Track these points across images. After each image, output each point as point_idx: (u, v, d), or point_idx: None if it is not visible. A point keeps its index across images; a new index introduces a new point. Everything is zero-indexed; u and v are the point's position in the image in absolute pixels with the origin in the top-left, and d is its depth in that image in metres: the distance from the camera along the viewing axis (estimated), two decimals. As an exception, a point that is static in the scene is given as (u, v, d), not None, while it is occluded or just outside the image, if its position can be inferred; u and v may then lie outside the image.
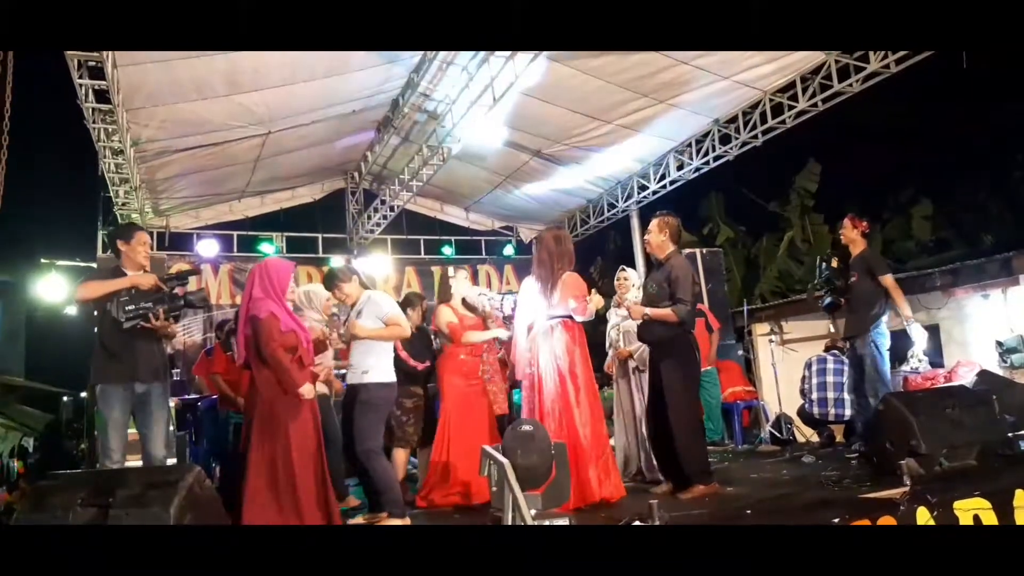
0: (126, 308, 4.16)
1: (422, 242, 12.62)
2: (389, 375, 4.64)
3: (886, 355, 5.77)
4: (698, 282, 5.10)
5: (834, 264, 6.08)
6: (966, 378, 7.14)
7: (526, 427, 4.02)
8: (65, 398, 15.82)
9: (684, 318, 4.80)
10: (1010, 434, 4.91)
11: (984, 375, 6.24)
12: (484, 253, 12.86)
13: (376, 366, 4.59)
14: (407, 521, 4.45)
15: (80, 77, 6.22)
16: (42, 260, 11.16)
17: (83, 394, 11.54)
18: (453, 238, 12.77)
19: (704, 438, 5.21)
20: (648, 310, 4.93)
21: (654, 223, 5.09)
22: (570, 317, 4.79)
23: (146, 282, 4.26)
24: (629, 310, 5.19)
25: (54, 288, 11.19)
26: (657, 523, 3.70)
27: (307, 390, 4.23)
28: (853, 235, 5.98)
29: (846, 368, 6.86)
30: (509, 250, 12.88)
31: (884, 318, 5.80)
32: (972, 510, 3.95)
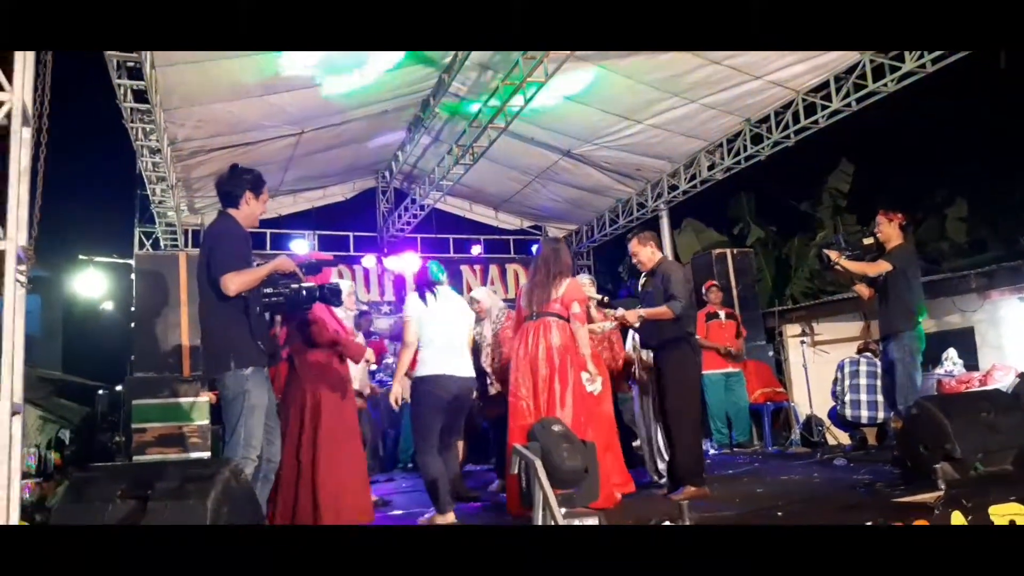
0: (263, 291, 3.81)
1: (451, 241, 12.68)
2: (430, 368, 4.47)
3: (919, 360, 5.39)
4: (691, 279, 5.10)
5: (867, 241, 5.60)
6: (1001, 382, 7.03)
7: (557, 427, 4.04)
8: (100, 391, 16.08)
9: (680, 313, 4.85)
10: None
11: (1024, 379, 6.13)
12: (513, 252, 12.88)
13: (418, 360, 4.54)
14: (448, 519, 4.42)
15: (119, 77, 6.36)
16: (80, 256, 11.41)
17: (119, 387, 11.73)
18: (482, 237, 12.82)
19: (700, 440, 5.17)
20: (643, 311, 5.01)
21: (635, 244, 5.20)
22: (565, 319, 4.77)
23: (287, 267, 3.88)
24: (624, 317, 5.13)
25: (91, 284, 11.44)
26: (687, 523, 3.71)
27: (371, 354, 4.33)
28: (890, 229, 5.45)
29: (879, 371, 6.76)
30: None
31: (922, 320, 5.46)
32: (1008, 515, 3.89)
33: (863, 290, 5.57)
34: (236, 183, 3.88)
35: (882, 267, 5.28)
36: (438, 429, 4.46)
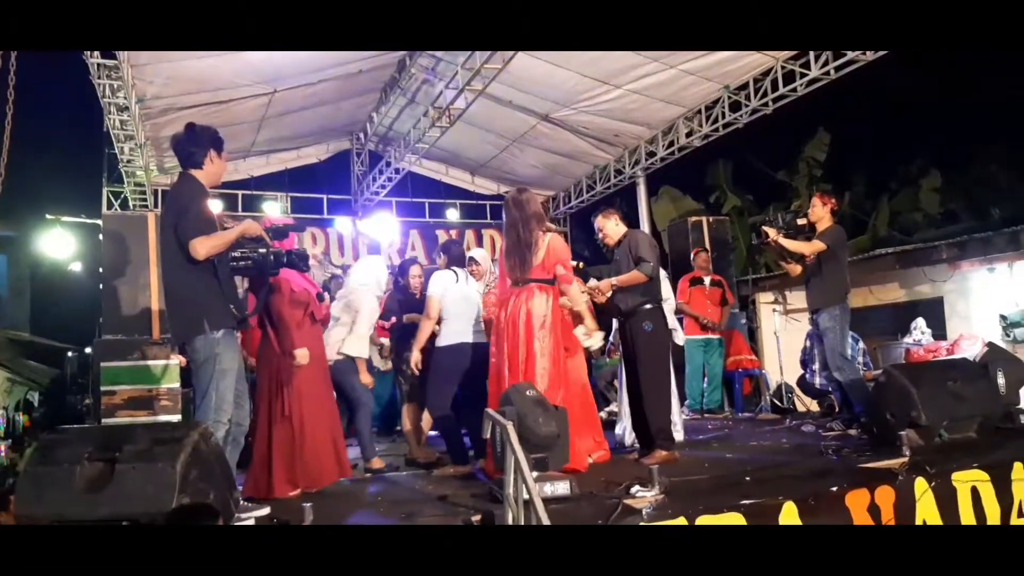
0: (232, 255, 3.81)
1: (427, 205, 12.58)
2: (451, 338, 4.95)
3: (847, 330, 5.75)
4: (656, 245, 5.15)
5: (801, 221, 5.92)
6: (969, 351, 7.15)
7: (531, 392, 4.04)
8: (70, 353, 15.90)
9: (651, 274, 4.95)
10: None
11: (993, 348, 6.22)
12: (489, 217, 12.82)
13: (439, 331, 4.99)
14: (467, 469, 4.84)
15: (85, 31, 6.16)
16: (47, 216, 11.17)
17: (88, 350, 11.58)
18: (459, 202, 12.73)
19: (669, 405, 5.23)
20: (614, 279, 5.08)
21: (600, 220, 5.32)
22: (550, 282, 4.73)
23: (254, 231, 3.89)
24: (596, 288, 5.16)
25: (59, 244, 11.21)
26: (657, 487, 3.76)
27: (301, 354, 4.36)
28: (822, 212, 5.80)
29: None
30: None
31: (848, 296, 5.75)
32: (970, 482, 3.98)
33: (793, 268, 6.00)
34: (197, 142, 3.77)
35: (817, 247, 5.66)
36: (453, 393, 4.92)
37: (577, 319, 5.14)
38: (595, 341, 4.84)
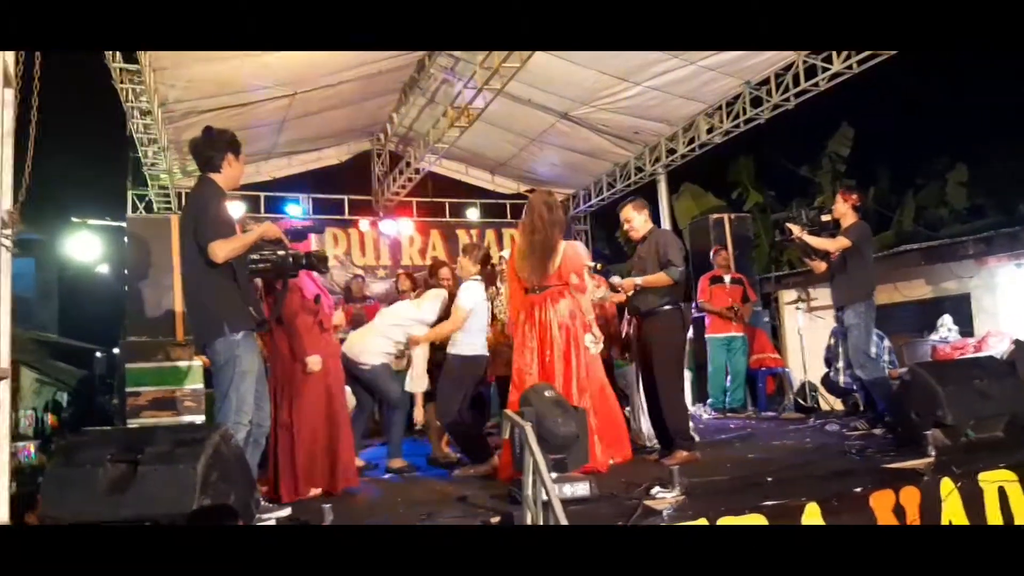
0: (250, 257, 3.85)
1: (447, 205, 12.59)
2: (471, 349, 5.09)
3: (872, 327, 5.71)
4: (685, 248, 5.12)
5: (825, 218, 5.91)
6: (996, 348, 7.04)
7: (549, 392, 4.04)
8: (98, 354, 16.14)
9: (679, 279, 4.91)
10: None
11: (1020, 345, 6.13)
12: (510, 216, 12.79)
13: (459, 340, 5.08)
14: (486, 468, 4.87)
15: (107, 36, 6.23)
16: (73, 219, 11.32)
17: (115, 350, 11.75)
18: (479, 201, 12.72)
19: (685, 405, 5.26)
20: (639, 279, 5.06)
21: (629, 210, 5.24)
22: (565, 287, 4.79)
23: (273, 233, 3.92)
24: (621, 285, 5.23)
25: (85, 246, 11.36)
26: (678, 488, 3.73)
27: (313, 361, 4.37)
28: (844, 208, 5.81)
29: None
30: (535, 213, 12.78)
31: (874, 292, 5.71)
32: (997, 482, 3.92)
33: (818, 265, 5.97)
34: (215, 146, 3.80)
35: (841, 243, 5.64)
36: (460, 400, 5.07)
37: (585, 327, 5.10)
38: (599, 348, 4.83)
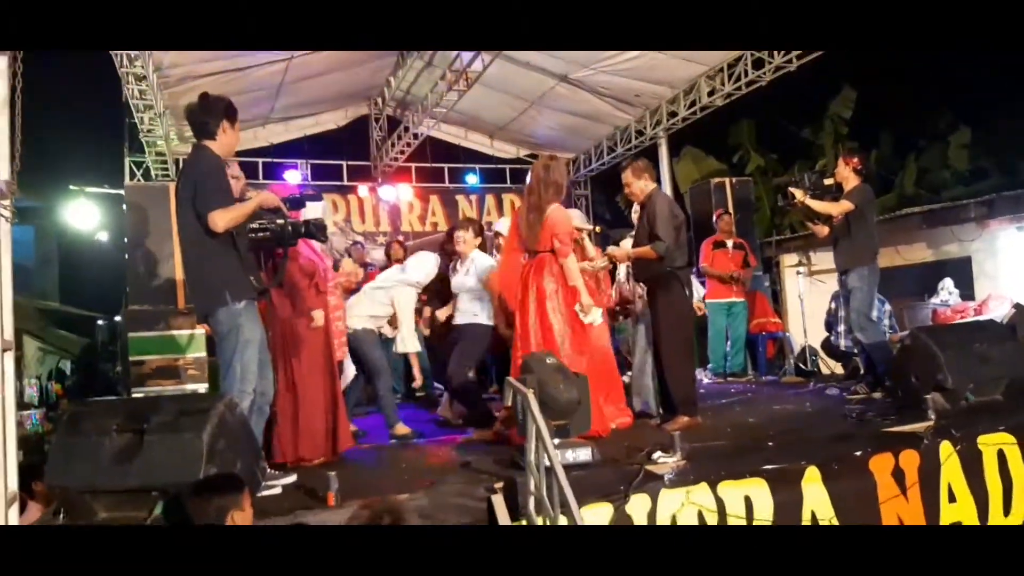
0: (250, 226, 3.82)
1: (446, 170, 12.51)
2: (489, 319, 5.25)
3: (875, 292, 5.72)
4: (678, 215, 5.06)
5: (828, 181, 5.90)
6: (996, 312, 7.05)
7: (550, 359, 4.05)
8: (100, 321, 16.18)
9: (663, 254, 4.88)
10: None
11: (1021, 309, 6.14)
12: (509, 182, 12.73)
13: (482, 310, 5.25)
14: (489, 434, 4.90)
15: None
16: (71, 186, 11.27)
17: (117, 318, 11.77)
18: (478, 166, 12.64)
19: (693, 371, 5.28)
20: (631, 251, 5.12)
21: (628, 175, 5.18)
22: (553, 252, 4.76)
23: (272, 202, 3.88)
24: (615, 254, 5.33)
25: (84, 214, 11.33)
26: (679, 453, 3.77)
27: (318, 315, 4.49)
28: (846, 172, 5.77)
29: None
30: (534, 178, 12.71)
31: (877, 256, 5.70)
32: (996, 445, 3.95)
33: (820, 229, 5.97)
34: (210, 112, 3.74)
35: (844, 206, 5.61)
36: (472, 366, 5.38)
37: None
38: (594, 317, 4.77)
